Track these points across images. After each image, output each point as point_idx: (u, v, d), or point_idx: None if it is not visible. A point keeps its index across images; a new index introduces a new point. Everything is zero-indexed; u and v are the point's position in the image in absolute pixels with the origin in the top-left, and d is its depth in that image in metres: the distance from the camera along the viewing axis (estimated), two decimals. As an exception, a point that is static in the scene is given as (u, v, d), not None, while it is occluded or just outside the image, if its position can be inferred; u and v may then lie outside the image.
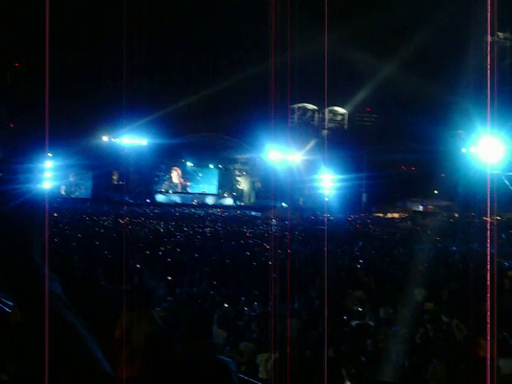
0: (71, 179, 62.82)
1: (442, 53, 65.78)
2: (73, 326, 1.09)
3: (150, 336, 3.51)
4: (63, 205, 45.12)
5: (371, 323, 10.45)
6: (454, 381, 7.69)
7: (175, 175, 74.05)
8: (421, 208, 63.67)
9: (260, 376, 7.96)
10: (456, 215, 52.76)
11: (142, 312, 4.19)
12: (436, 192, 62.54)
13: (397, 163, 69.85)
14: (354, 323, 10.48)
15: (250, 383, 4.16)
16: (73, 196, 62.60)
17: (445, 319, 10.66)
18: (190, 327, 3.96)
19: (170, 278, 13.73)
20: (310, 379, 6.95)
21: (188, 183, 75.06)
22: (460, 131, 55.85)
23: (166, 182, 73.84)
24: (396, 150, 65.77)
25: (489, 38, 39.10)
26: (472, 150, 43.92)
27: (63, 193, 61.82)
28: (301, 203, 67.69)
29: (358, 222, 47.95)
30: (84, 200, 59.22)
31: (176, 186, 74.41)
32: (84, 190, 64.31)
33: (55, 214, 33.53)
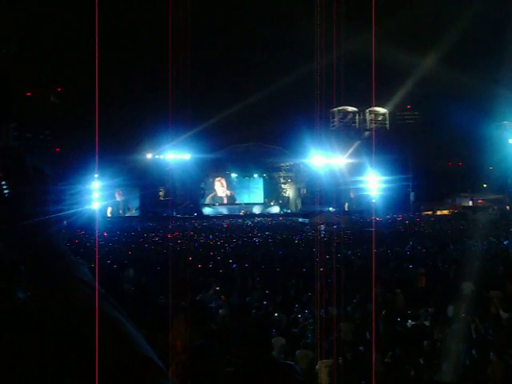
0: (118, 199, 63.70)
1: (482, 43, 64.55)
2: (104, 311, 1.09)
3: (204, 348, 3.55)
4: (112, 224, 45.79)
5: (427, 323, 10.30)
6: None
7: (219, 187, 74.42)
8: (470, 203, 62.51)
9: (320, 382, 7.89)
10: (507, 208, 51.63)
11: (199, 325, 4.26)
12: (485, 186, 61.28)
13: (443, 159, 68.83)
14: (409, 324, 10.35)
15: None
16: (121, 215, 63.31)
17: (504, 315, 10.41)
18: (249, 336, 3.97)
19: (221, 289, 13.78)
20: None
21: (234, 194, 75.36)
22: (505, 122, 54.62)
23: (212, 194, 74.23)
24: (441, 145, 64.75)
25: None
26: (519, 140, 42.89)
27: (109, 214, 62.34)
28: (346, 208, 67.18)
29: (407, 221, 47.30)
30: (132, 218, 59.91)
31: (222, 198, 74.75)
32: (135, 211, 64.94)
33: (105, 234, 34.10)
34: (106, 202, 57.72)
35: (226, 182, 74.74)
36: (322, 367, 8.04)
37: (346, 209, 66.49)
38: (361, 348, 8.76)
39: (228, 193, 74.96)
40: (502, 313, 10.49)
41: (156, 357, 1.08)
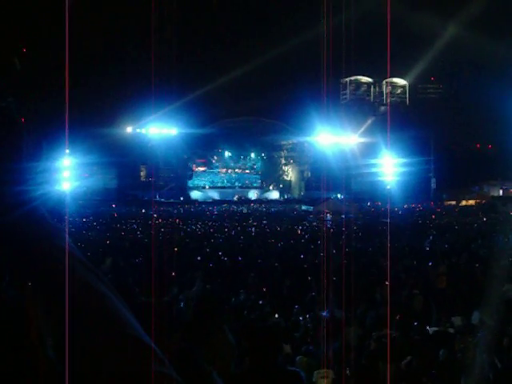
0: (93, 178, 63.37)
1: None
2: (89, 284, 1.08)
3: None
4: (86, 208, 45.71)
5: (451, 330, 10.33)
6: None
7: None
8: (500, 192, 62.56)
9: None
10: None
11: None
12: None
13: (470, 140, 68.80)
14: (431, 330, 10.37)
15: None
16: (96, 198, 63.12)
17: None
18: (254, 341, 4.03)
19: (211, 286, 13.80)
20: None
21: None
22: (544, 99, 54.49)
23: (202, 176, 73.92)
24: (468, 124, 64.67)
25: None
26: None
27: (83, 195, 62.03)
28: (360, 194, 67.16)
29: (428, 212, 47.40)
30: (109, 201, 59.74)
31: (214, 180, 74.40)
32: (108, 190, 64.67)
33: (79, 219, 34.06)
34: (78, 183, 57.53)
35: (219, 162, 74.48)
36: (318, 378, 8.08)
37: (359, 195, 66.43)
38: (370, 357, 8.79)
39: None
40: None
41: (150, 340, 1.06)
